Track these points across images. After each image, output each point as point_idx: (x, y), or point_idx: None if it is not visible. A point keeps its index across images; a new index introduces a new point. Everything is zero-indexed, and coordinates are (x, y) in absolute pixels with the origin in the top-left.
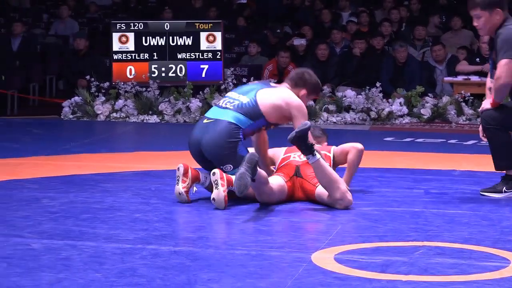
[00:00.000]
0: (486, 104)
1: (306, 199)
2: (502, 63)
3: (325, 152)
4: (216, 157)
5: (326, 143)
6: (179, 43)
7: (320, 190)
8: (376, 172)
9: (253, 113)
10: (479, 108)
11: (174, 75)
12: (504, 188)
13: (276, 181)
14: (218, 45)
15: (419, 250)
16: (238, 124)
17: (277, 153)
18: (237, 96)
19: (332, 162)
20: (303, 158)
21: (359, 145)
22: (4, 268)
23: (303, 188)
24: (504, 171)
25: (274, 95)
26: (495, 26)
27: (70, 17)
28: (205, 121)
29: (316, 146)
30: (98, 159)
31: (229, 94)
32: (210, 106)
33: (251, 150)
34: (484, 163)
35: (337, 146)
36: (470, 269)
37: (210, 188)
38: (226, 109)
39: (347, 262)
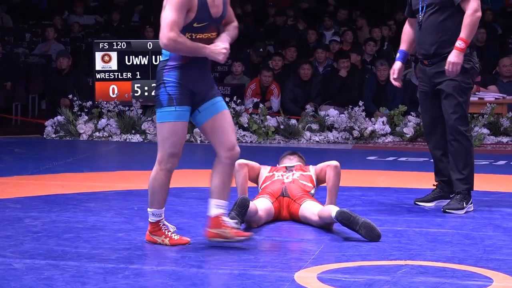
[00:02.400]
0: (454, 55)
1: (291, 219)
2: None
3: (306, 172)
4: None
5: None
6: None
7: (304, 211)
8: (359, 191)
9: None
10: None
11: None
12: (464, 202)
13: (264, 205)
14: None
15: (402, 269)
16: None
17: (262, 171)
18: None
19: (315, 180)
20: (287, 178)
21: (334, 163)
22: None
23: (289, 208)
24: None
25: None
26: None
27: (55, 38)
28: None
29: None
30: (80, 178)
31: None
32: (193, 125)
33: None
34: None
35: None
36: (452, 286)
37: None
38: None
39: (330, 281)
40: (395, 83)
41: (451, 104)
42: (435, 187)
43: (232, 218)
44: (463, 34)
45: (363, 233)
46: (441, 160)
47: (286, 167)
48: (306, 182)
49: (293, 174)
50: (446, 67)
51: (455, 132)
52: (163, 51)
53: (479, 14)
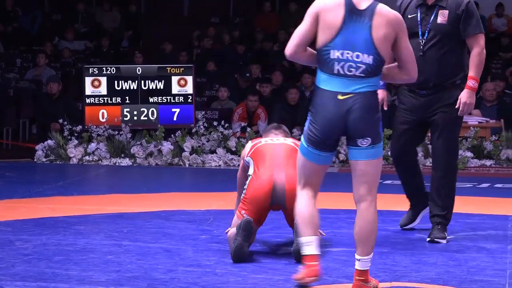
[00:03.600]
0: (468, 96)
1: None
2: (480, 36)
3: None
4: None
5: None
6: (151, 87)
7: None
8: (345, 213)
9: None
10: None
11: (146, 118)
12: (445, 232)
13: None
14: (189, 89)
15: None
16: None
17: (243, 152)
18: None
19: None
20: (277, 140)
21: None
22: None
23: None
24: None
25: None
26: None
27: (45, 64)
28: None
29: None
30: (71, 201)
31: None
32: (181, 149)
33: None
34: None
35: None
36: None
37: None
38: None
39: None
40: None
41: (446, 139)
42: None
43: (238, 246)
44: (475, 73)
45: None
46: (412, 183)
47: (272, 140)
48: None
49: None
50: (459, 107)
51: (448, 169)
52: (376, 81)
53: (485, 51)
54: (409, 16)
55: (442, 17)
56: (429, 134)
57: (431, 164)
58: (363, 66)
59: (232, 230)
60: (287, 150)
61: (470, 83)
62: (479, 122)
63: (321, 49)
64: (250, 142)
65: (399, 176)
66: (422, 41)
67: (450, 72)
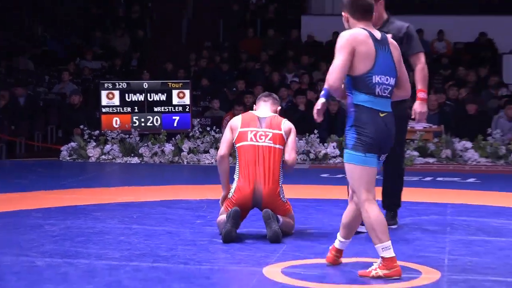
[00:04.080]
0: (421, 106)
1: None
2: (421, 54)
3: (277, 131)
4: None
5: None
6: (155, 99)
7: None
8: (314, 202)
9: None
10: None
11: (151, 124)
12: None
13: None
14: (187, 100)
15: (349, 265)
16: None
17: (234, 128)
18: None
19: (285, 137)
20: (263, 142)
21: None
22: (14, 281)
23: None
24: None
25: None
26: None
27: (69, 80)
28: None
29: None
30: (90, 192)
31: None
32: (180, 150)
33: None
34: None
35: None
36: (389, 280)
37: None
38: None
39: (292, 274)
40: (317, 117)
41: (397, 144)
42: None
43: (228, 231)
44: (422, 86)
45: (268, 235)
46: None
47: (259, 119)
48: (278, 159)
49: (266, 135)
50: (415, 117)
51: (402, 170)
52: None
53: (426, 66)
54: None
55: None
56: None
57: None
58: (390, 88)
59: (221, 217)
60: (266, 154)
61: (421, 95)
62: (424, 127)
63: (362, 75)
64: (240, 117)
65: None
66: None
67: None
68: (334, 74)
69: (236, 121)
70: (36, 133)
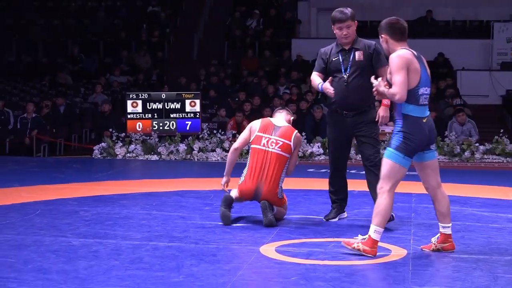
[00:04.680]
0: (384, 111)
1: None
2: (387, 67)
3: (287, 141)
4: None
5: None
6: (171, 107)
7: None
8: (302, 192)
9: None
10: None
11: (168, 128)
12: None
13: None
14: (197, 108)
15: (331, 244)
16: None
17: (254, 128)
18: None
19: (292, 148)
20: (273, 148)
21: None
22: (53, 258)
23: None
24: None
25: None
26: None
27: (101, 91)
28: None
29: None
30: (117, 184)
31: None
32: (192, 149)
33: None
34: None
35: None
36: (365, 256)
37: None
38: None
39: (284, 252)
40: (332, 92)
41: (373, 146)
42: (334, 204)
43: (223, 212)
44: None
45: (264, 222)
46: (344, 186)
47: (274, 127)
48: (282, 164)
49: (277, 143)
50: (379, 120)
51: (377, 168)
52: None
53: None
54: (333, 59)
55: (358, 55)
56: (355, 142)
57: (360, 159)
58: (428, 96)
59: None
60: (273, 160)
61: (385, 101)
62: (392, 130)
63: (413, 89)
64: (259, 122)
65: (333, 179)
66: (346, 75)
67: (367, 97)
68: (403, 90)
69: (256, 125)
70: (73, 136)
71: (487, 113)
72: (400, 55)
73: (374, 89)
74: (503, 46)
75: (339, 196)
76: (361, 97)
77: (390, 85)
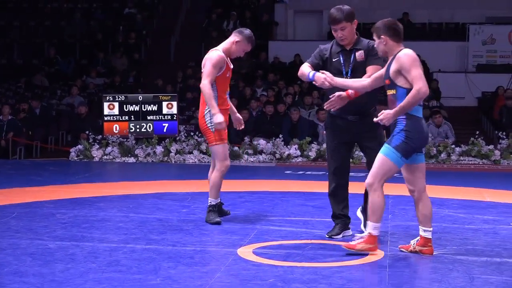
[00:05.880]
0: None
1: None
2: (379, 67)
3: None
4: None
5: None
6: (148, 109)
7: None
8: (279, 194)
9: None
10: None
11: (145, 130)
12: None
13: None
14: (174, 110)
15: (309, 246)
16: None
17: None
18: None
19: None
20: None
21: None
22: (30, 261)
23: None
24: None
25: None
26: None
27: (77, 93)
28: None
29: None
30: (94, 186)
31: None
32: (169, 152)
33: None
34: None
35: None
36: (342, 258)
37: None
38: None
39: (261, 254)
40: (330, 80)
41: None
42: (338, 220)
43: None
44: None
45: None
46: (347, 198)
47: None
48: None
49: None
50: (382, 117)
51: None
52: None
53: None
54: (334, 60)
55: (359, 55)
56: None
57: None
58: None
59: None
60: None
61: (349, 92)
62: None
63: None
64: None
65: (336, 191)
66: (348, 77)
67: (370, 100)
68: (425, 82)
69: None
70: (49, 138)
71: (463, 115)
72: (410, 53)
73: (383, 119)
74: (478, 48)
75: (343, 211)
76: (365, 100)
77: (391, 83)
